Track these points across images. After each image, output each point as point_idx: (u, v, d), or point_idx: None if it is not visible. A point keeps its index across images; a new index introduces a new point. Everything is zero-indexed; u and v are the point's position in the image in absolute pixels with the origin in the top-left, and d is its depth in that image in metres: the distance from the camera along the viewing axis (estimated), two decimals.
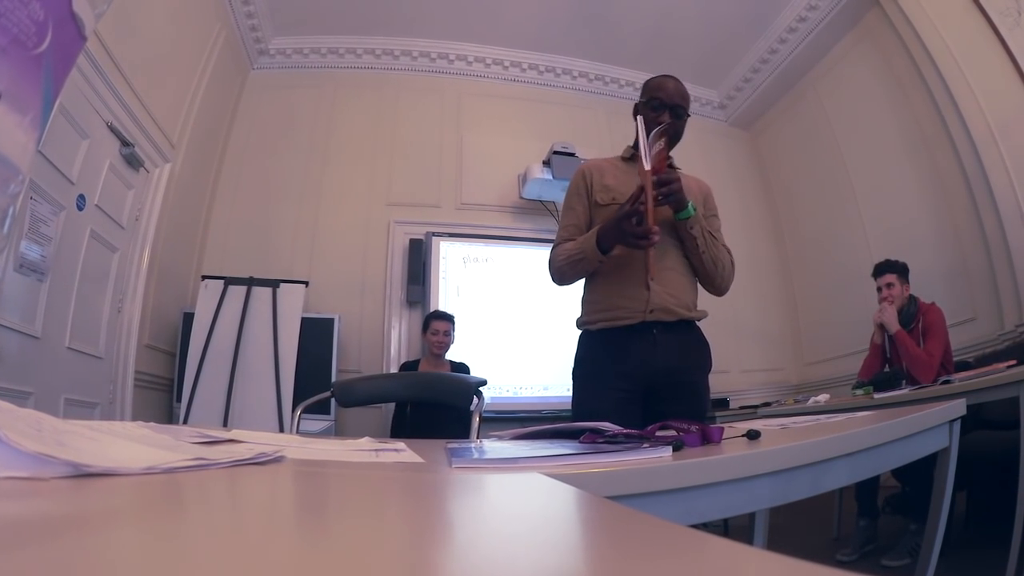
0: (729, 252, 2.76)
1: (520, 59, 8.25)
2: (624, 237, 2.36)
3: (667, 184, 2.38)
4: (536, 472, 0.89)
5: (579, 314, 2.77)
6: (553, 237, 2.83)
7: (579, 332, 2.78)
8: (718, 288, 2.76)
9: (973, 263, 5.58)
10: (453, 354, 6.03)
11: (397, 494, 0.74)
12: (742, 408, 6.58)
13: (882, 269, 4.77)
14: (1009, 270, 5.13)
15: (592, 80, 8.45)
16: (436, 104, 8.01)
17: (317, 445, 1.38)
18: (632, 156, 2.82)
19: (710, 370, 2.73)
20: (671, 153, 2.66)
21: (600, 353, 2.62)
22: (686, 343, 2.62)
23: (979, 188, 5.42)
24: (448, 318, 5.96)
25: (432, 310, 6.37)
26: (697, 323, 2.69)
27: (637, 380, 2.53)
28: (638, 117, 2.56)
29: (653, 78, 2.78)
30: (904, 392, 3.97)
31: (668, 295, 2.56)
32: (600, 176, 2.75)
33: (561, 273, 2.72)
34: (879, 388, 4.24)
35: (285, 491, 0.75)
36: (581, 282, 2.80)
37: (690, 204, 2.53)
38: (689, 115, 2.71)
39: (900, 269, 4.71)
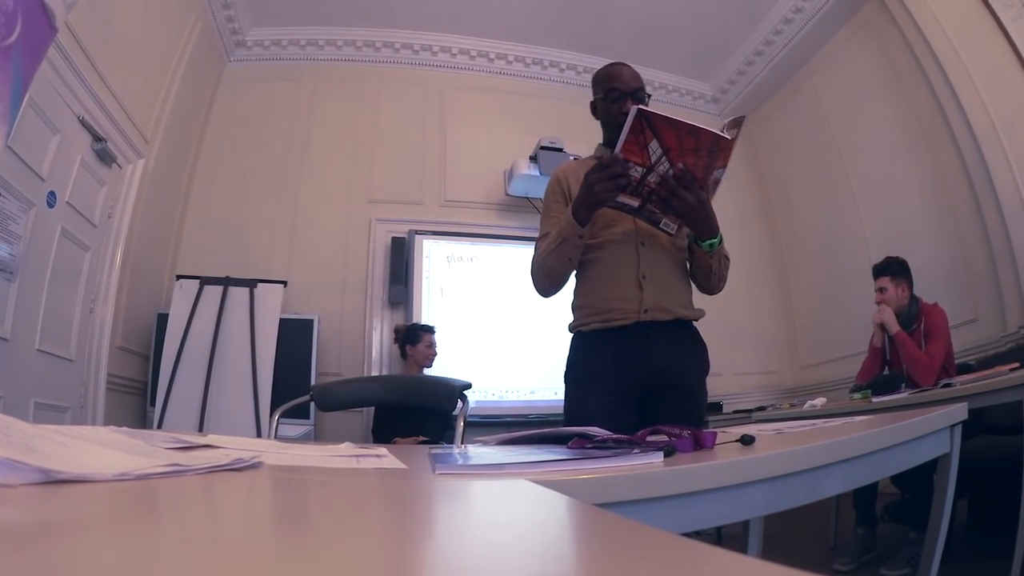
0: (728, 260, 2.70)
1: (506, 51, 8.24)
2: (595, 188, 2.29)
3: (684, 186, 2.26)
4: (522, 479, 0.89)
5: (571, 319, 2.74)
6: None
7: (571, 335, 2.76)
8: (709, 292, 2.72)
9: (975, 262, 5.58)
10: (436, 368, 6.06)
11: (378, 501, 0.75)
12: (736, 412, 6.60)
13: (876, 272, 4.74)
14: (1012, 270, 5.13)
15: (580, 73, 8.42)
16: (419, 98, 8.00)
17: (296, 451, 1.38)
18: (605, 155, 2.66)
19: (708, 372, 2.72)
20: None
21: (593, 355, 2.61)
22: (682, 344, 2.60)
23: (981, 185, 5.43)
24: (434, 330, 6.00)
25: (415, 321, 6.37)
26: (694, 323, 2.68)
27: (632, 383, 2.51)
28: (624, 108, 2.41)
29: (600, 69, 2.75)
30: (903, 396, 3.97)
31: (663, 293, 2.54)
32: (576, 179, 2.65)
33: (542, 269, 2.67)
34: (878, 391, 4.24)
35: (263, 498, 0.75)
36: (571, 287, 2.79)
37: (719, 236, 2.49)
38: (650, 96, 2.65)
39: (895, 270, 4.65)
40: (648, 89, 2.71)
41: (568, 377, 2.71)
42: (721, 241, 2.52)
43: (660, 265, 2.58)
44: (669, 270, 2.61)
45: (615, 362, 2.53)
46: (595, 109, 2.76)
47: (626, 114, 2.35)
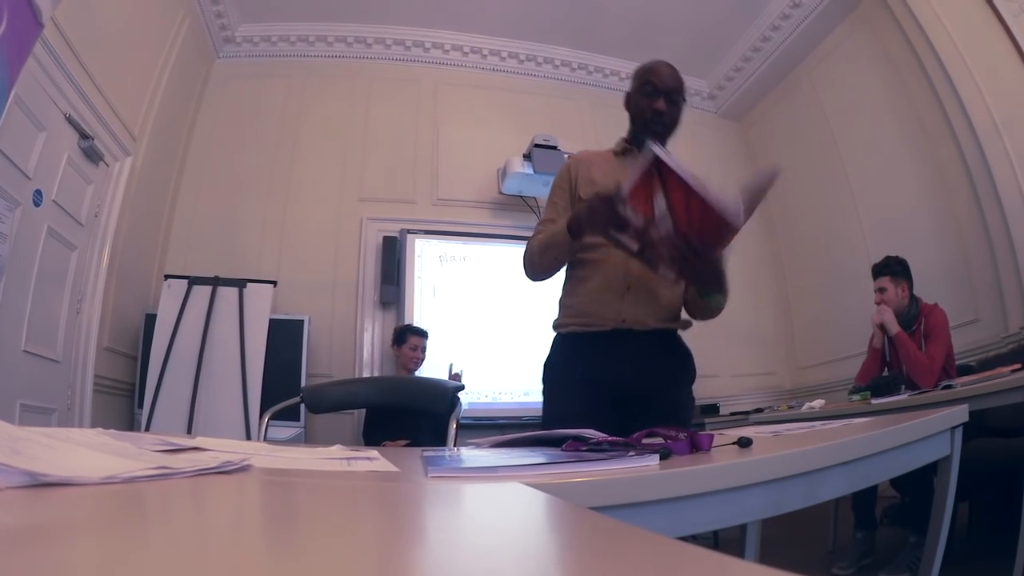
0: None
1: (499, 47, 8.23)
2: (595, 220, 2.22)
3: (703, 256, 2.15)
4: (516, 482, 0.89)
5: (556, 316, 2.75)
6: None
7: (554, 334, 2.76)
8: (697, 318, 2.68)
9: (976, 262, 5.59)
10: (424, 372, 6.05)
11: (370, 505, 0.75)
12: (732, 414, 6.59)
13: (875, 271, 4.73)
14: (1013, 270, 5.13)
15: (575, 69, 8.44)
16: (411, 95, 7.98)
17: (285, 453, 1.37)
18: (624, 151, 2.73)
19: (693, 380, 2.69)
20: (666, 144, 2.48)
21: (569, 357, 2.61)
22: (660, 350, 2.57)
23: (982, 183, 5.43)
24: (425, 334, 6.00)
25: (406, 323, 6.37)
26: (678, 332, 2.65)
27: (606, 385, 2.50)
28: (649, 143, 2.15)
29: (645, 63, 2.73)
30: (903, 397, 3.97)
31: (645, 306, 2.52)
32: (587, 169, 2.69)
33: (532, 263, 2.68)
34: (877, 393, 4.24)
35: (252, 502, 0.75)
36: (560, 283, 2.79)
37: (725, 292, 2.41)
38: (685, 101, 2.65)
39: (895, 271, 4.64)
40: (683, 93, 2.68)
41: (545, 378, 2.72)
42: (725, 296, 2.45)
43: (649, 279, 2.52)
44: (657, 284, 2.56)
45: (590, 364, 2.53)
46: (628, 102, 2.74)
47: (656, 110, 2.38)
